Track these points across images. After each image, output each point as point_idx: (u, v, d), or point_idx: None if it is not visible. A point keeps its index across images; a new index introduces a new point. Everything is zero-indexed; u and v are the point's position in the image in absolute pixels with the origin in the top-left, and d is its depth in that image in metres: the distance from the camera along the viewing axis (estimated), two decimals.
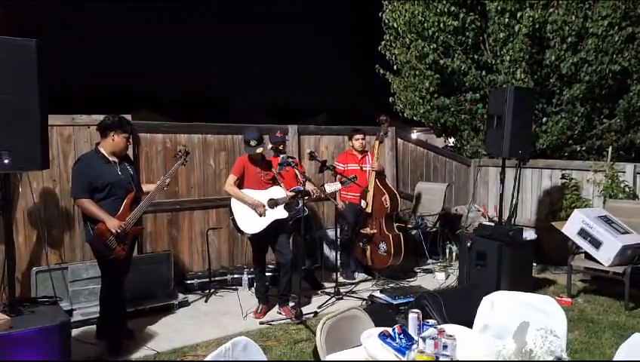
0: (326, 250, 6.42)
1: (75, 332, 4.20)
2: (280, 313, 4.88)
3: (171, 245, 5.69)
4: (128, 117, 4.64)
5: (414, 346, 2.17)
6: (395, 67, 8.83)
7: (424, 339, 2.15)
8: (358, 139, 6.04)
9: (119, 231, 3.86)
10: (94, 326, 4.39)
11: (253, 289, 5.35)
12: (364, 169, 5.98)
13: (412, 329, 2.37)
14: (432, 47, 8.01)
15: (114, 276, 4.09)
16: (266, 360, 2.33)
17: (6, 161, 2.94)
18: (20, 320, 3.06)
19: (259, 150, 4.71)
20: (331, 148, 6.87)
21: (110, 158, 4.03)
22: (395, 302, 4.61)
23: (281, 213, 4.76)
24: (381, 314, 4.07)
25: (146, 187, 4.33)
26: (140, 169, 5.40)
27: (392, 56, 8.74)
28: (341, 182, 5.30)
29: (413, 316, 2.42)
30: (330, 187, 5.04)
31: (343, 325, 2.72)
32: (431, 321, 2.39)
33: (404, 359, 2.14)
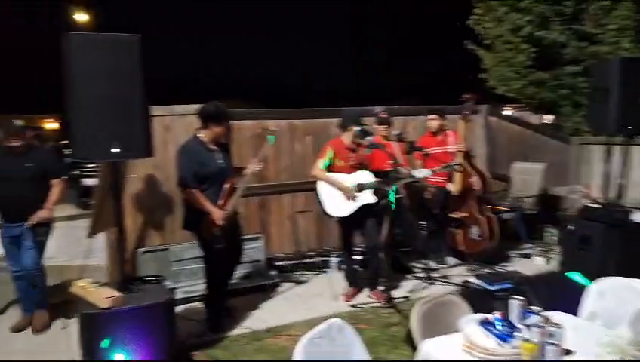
0: (416, 234, 6.30)
1: (177, 309, 4.45)
2: (370, 296, 4.88)
3: (262, 228, 5.86)
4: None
5: (517, 334, 2.07)
6: (485, 42, 8.41)
7: (528, 327, 2.04)
8: (431, 119, 5.81)
9: (224, 222, 4.00)
10: (195, 303, 4.65)
11: (342, 271, 5.40)
12: (448, 150, 5.78)
13: (514, 317, 2.26)
14: (526, 19, 7.51)
15: (215, 262, 4.23)
16: (360, 343, 2.34)
17: (117, 151, 3.14)
18: (131, 297, 3.28)
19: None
20: (420, 130, 6.69)
21: (211, 146, 4.15)
22: (491, 288, 4.42)
23: (369, 197, 4.73)
24: (477, 300, 3.94)
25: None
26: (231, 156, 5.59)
27: (483, 31, 8.32)
28: (442, 168, 5.19)
29: (515, 303, 2.31)
30: (419, 173, 4.91)
31: (439, 310, 2.67)
32: (534, 308, 2.27)
33: (507, 346, 2.05)
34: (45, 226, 4.40)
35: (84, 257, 4.89)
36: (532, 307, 2.31)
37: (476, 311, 2.52)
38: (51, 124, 33.10)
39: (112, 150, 3.12)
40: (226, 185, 4.10)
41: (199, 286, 4.96)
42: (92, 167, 9.48)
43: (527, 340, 1.99)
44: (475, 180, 5.56)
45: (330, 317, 2.33)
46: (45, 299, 4.52)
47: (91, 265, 5.00)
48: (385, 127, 5.34)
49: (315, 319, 4.26)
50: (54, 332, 4.36)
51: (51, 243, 7.12)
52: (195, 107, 5.43)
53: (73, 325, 3.84)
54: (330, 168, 4.81)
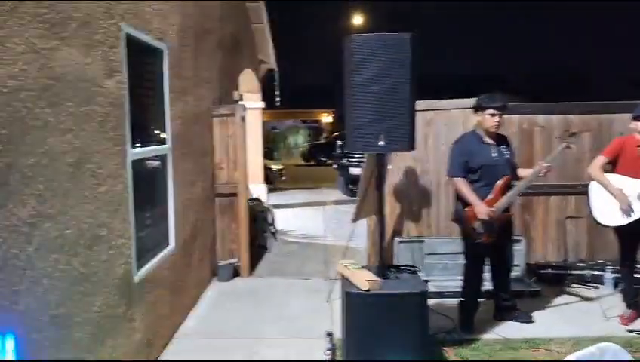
0: None
1: (429, 302, 4.50)
2: None
3: (523, 230, 5.47)
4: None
5: None
6: None
7: None
8: None
9: (486, 218, 3.85)
10: (446, 299, 4.61)
11: (618, 290, 4.67)
12: None
13: None
14: None
15: (476, 259, 4.14)
16: None
17: (381, 143, 3.32)
18: (387, 283, 3.42)
19: None
20: None
21: (486, 139, 4.05)
22: None
23: None
24: None
25: (522, 171, 4.18)
26: None
27: None
28: None
29: None
30: None
31: None
32: None
33: None
34: None
35: (347, 240, 5.34)
36: None
37: None
38: (327, 118, 37.23)
39: (379, 143, 3.30)
40: (500, 181, 3.95)
41: (451, 283, 4.92)
42: (359, 157, 10.34)
43: None
44: None
45: (600, 339, 2.03)
46: None
47: (352, 247, 5.43)
48: None
49: (581, 338, 3.87)
50: (320, 304, 4.88)
51: (319, 223, 8.06)
52: (457, 101, 5.42)
53: (337, 301, 4.24)
54: (615, 169, 4.18)
